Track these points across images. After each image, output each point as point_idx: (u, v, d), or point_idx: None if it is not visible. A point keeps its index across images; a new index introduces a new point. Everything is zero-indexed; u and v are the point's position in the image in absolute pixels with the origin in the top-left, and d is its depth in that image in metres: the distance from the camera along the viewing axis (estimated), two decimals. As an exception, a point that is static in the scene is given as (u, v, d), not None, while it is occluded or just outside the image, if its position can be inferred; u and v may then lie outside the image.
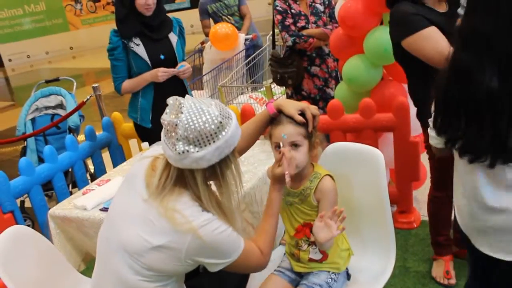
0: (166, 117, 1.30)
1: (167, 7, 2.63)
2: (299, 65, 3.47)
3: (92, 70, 12.11)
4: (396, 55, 2.23)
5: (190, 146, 1.27)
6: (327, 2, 3.49)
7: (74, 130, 3.88)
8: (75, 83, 4.23)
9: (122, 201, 1.49)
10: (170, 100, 1.33)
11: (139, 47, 2.76)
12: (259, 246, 1.51)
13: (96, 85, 3.79)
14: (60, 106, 3.97)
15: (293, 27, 3.39)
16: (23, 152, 3.82)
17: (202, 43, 5.00)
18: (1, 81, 13.73)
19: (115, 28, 2.78)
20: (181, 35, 3.00)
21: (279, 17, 3.45)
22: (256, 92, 4.27)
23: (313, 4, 3.44)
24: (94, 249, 2.13)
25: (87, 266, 2.26)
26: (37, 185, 2.88)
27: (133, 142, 3.58)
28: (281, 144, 1.58)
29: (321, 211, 1.63)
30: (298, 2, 3.42)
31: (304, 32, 3.37)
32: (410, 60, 2.10)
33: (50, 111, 3.98)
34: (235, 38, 4.56)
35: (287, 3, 3.41)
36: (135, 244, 1.37)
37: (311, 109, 1.63)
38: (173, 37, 2.91)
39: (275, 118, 1.65)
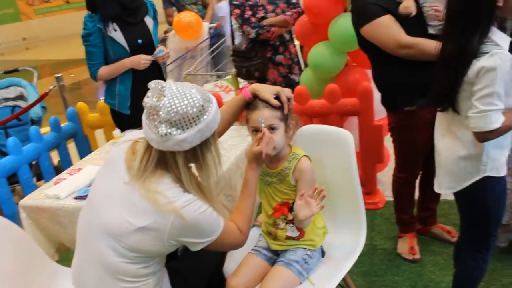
0: (148, 100, 1.32)
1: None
2: (264, 56, 3.51)
3: (48, 62, 11.78)
4: (359, 43, 2.32)
5: (173, 129, 1.30)
6: None
7: (37, 122, 3.79)
8: (35, 74, 4.12)
9: (103, 184, 1.50)
10: (152, 84, 1.35)
11: (116, 33, 2.69)
12: (237, 225, 1.56)
13: (59, 75, 3.72)
14: (21, 97, 3.86)
15: (253, 19, 3.41)
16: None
17: (166, 32, 4.97)
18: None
19: (89, 13, 2.70)
20: (155, 18, 2.95)
21: (237, 11, 3.46)
22: (221, 80, 4.29)
23: None
24: (69, 239, 2.15)
25: (61, 256, 2.24)
26: (1, 177, 2.81)
27: (99, 133, 3.54)
28: (261, 127, 1.62)
29: (299, 190, 1.69)
30: None
31: (265, 22, 3.41)
32: (373, 48, 2.18)
33: (10, 103, 3.87)
34: (199, 27, 4.56)
35: None
36: (118, 226, 1.39)
37: (285, 92, 1.68)
38: (149, 21, 2.86)
39: (251, 102, 1.69)
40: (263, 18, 3.43)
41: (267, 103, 1.64)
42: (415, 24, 2.08)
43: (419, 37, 2.05)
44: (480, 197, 1.72)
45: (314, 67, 3.06)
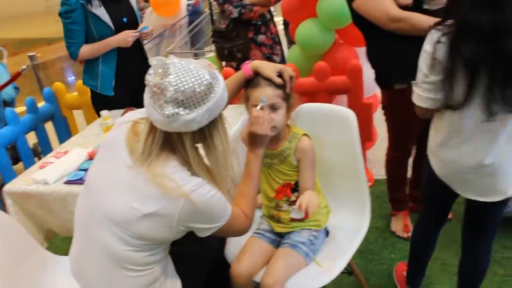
0: (151, 78, 1.23)
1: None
2: (246, 36, 3.41)
3: (10, 41, 11.31)
4: (353, 19, 2.26)
5: (180, 109, 1.21)
6: None
7: (10, 103, 3.62)
8: (5, 53, 3.92)
9: (103, 169, 1.41)
10: (154, 61, 1.26)
11: (100, 9, 2.55)
12: (242, 209, 1.51)
13: (32, 54, 3.54)
14: (-9, 77, 3.68)
15: None
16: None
17: (142, 9, 4.80)
18: None
19: None
20: None
21: None
22: (203, 58, 4.18)
23: None
24: (58, 225, 2.05)
25: (50, 244, 2.14)
26: (-22, 162, 2.67)
27: (78, 113, 3.40)
28: (259, 107, 1.56)
29: (301, 170, 1.65)
30: None
31: (247, 1, 3.31)
32: (366, 23, 2.14)
33: (-21, 84, 3.68)
34: (177, 4, 4.43)
35: None
36: (123, 214, 1.31)
37: (288, 70, 1.62)
38: None
39: (251, 80, 1.63)
40: (244, -4, 3.33)
41: (269, 81, 1.58)
42: None
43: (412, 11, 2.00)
44: None
45: (303, 44, 3.00)
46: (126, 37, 2.62)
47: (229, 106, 1.73)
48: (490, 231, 1.74)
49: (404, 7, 2.01)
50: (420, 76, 1.56)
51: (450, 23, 1.45)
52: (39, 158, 3.29)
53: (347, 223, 1.86)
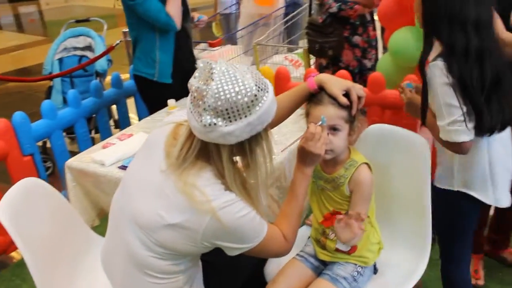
0: (194, 82, 1.15)
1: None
2: (340, 34, 3.23)
3: (116, 11, 11.91)
4: None
5: (219, 119, 1.12)
6: None
7: (101, 75, 3.76)
8: (105, 26, 4.08)
9: (138, 169, 1.36)
10: (201, 63, 1.18)
11: None
12: (282, 231, 1.38)
13: (126, 29, 3.63)
14: (89, 48, 3.85)
15: None
16: (49, 92, 3.74)
17: (239, -4, 4.78)
18: (35, 14, 13.69)
19: None
20: None
21: None
22: (292, 53, 4.06)
23: None
24: (109, 206, 2.07)
25: (101, 222, 2.18)
26: (58, 129, 2.80)
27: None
28: (322, 126, 1.42)
29: (353, 203, 1.49)
30: None
31: None
32: None
33: (78, 52, 3.87)
34: (276, -7, 4.33)
35: None
36: (147, 218, 1.25)
37: (357, 89, 1.45)
38: None
39: (315, 94, 1.48)
40: (349, -8, 3.14)
41: (334, 99, 1.43)
42: None
43: None
44: None
45: (395, 53, 2.76)
46: None
47: (289, 120, 1.61)
48: None
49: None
50: (452, 111, 1.40)
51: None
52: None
53: (402, 263, 1.67)
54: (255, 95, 1.13)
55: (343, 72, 2.70)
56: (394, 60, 2.84)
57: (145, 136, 2.14)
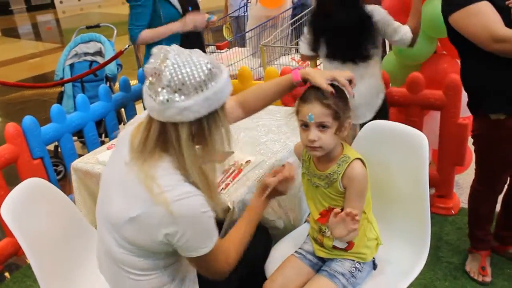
0: (149, 66, 1.16)
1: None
2: None
3: (123, 17, 12.03)
4: (448, 34, 1.99)
5: (176, 94, 1.12)
6: None
7: (111, 79, 3.83)
8: (115, 31, 4.15)
9: (110, 166, 1.39)
10: (155, 49, 1.20)
11: None
12: (230, 250, 1.37)
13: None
14: (99, 53, 3.92)
15: None
16: (60, 97, 3.81)
17: (247, -2, 4.80)
18: (52, 22, 13.93)
19: None
20: None
21: None
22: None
23: None
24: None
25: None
26: (67, 133, 2.85)
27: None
28: (310, 123, 1.44)
29: (347, 199, 1.49)
30: None
31: None
32: (463, 40, 1.86)
33: (89, 58, 3.93)
34: (284, -5, 4.34)
35: None
36: (116, 215, 1.26)
37: (343, 74, 1.46)
38: None
39: (304, 94, 1.49)
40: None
41: (321, 93, 1.43)
42: None
43: None
44: None
45: (398, 51, 2.76)
46: (184, 20, 2.60)
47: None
48: None
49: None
50: None
51: None
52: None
53: (401, 259, 1.67)
54: (210, 70, 1.15)
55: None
56: (397, 58, 2.83)
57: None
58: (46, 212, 1.68)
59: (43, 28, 13.03)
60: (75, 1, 14.61)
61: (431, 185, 2.62)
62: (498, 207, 2.23)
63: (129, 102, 3.38)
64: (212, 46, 4.20)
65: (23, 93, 6.39)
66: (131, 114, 3.42)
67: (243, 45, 4.73)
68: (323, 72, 1.47)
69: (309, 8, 4.45)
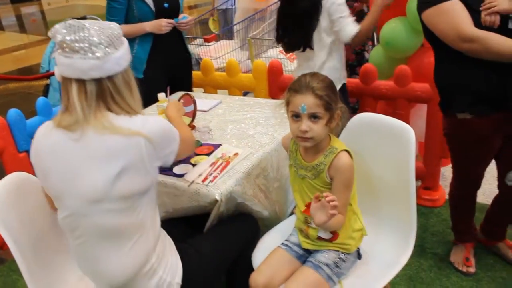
0: (68, 36, 1.26)
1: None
2: None
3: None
4: (424, 32, 1.98)
5: (109, 48, 1.29)
6: None
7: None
8: (102, 23, 4.10)
9: (50, 161, 1.37)
10: (67, 23, 1.29)
11: None
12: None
13: (122, 26, 3.66)
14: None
15: None
16: (46, 90, 3.77)
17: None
18: (37, 14, 13.74)
19: None
20: None
21: None
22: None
23: None
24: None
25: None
26: (29, 137, 2.80)
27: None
28: (303, 114, 1.44)
29: (333, 190, 1.50)
30: None
31: None
32: (436, 39, 1.87)
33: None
34: (271, -13, 4.32)
35: None
36: (95, 187, 1.29)
37: None
38: None
39: (293, 83, 1.52)
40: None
41: (313, 88, 1.46)
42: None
43: (490, 31, 1.70)
44: None
45: (386, 44, 2.77)
46: (159, 24, 2.66)
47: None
48: None
49: (484, 27, 1.72)
50: None
51: None
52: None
53: (386, 250, 1.69)
54: (119, 28, 1.36)
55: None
56: (385, 52, 2.85)
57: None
58: (31, 206, 1.67)
59: (28, 20, 12.86)
60: (60, -8, 14.42)
61: (417, 177, 2.64)
62: (489, 202, 2.26)
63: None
64: (200, 39, 4.19)
65: (8, 86, 6.31)
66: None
67: (230, 37, 4.71)
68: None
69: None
